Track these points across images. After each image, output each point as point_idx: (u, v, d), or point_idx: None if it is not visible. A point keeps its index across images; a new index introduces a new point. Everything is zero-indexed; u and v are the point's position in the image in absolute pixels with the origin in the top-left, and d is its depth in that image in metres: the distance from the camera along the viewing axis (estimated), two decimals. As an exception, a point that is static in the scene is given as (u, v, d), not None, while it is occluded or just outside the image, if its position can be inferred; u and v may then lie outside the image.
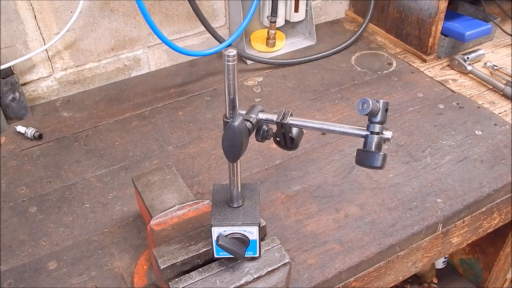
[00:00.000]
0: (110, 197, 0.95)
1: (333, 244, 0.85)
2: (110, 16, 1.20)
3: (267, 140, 0.63)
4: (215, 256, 0.69)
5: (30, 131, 1.09)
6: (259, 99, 1.22)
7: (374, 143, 0.55)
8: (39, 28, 1.13)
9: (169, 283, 0.68)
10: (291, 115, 0.60)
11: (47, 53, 1.17)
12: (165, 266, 0.68)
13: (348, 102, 1.20)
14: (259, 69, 1.33)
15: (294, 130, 0.61)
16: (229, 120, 0.58)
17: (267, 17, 1.32)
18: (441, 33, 1.32)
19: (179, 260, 0.69)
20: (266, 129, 0.62)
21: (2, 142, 1.09)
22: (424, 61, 1.34)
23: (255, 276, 0.69)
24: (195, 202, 0.77)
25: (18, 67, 1.15)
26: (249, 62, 1.34)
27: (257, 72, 1.32)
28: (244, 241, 0.67)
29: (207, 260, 0.71)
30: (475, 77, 1.27)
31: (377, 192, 0.95)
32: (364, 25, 1.44)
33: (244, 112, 0.61)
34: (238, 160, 0.63)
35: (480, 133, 1.09)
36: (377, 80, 1.28)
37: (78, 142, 1.09)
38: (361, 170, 0.99)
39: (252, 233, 0.67)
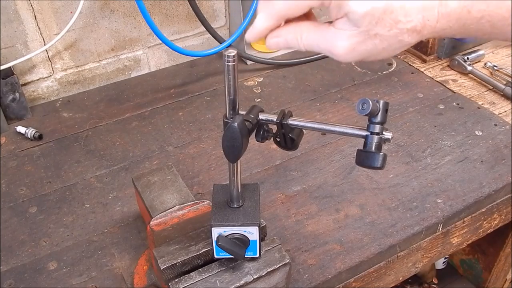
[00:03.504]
0: (110, 197, 0.95)
1: (333, 245, 0.85)
2: (110, 16, 1.20)
3: (267, 141, 0.62)
4: (215, 256, 0.69)
5: (30, 132, 1.09)
6: (259, 99, 1.22)
7: (374, 144, 0.55)
8: (39, 28, 1.13)
9: (169, 284, 0.68)
10: (291, 115, 0.60)
11: (47, 53, 1.17)
12: (165, 266, 0.68)
13: (348, 103, 1.20)
14: (259, 69, 1.33)
15: (294, 131, 0.61)
16: (229, 121, 0.58)
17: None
18: (441, 34, 1.32)
19: (179, 260, 0.69)
20: (266, 129, 0.62)
21: (2, 142, 1.09)
22: (424, 61, 1.34)
23: (255, 277, 0.69)
24: (195, 202, 0.77)
25: (18, 68, 1.15)
26: (249, 62, 1.34)
27: (257, 72, 1.32)
28: (244, 242, 0.67)
29: (207, 260, 0.71)
30: (475, 78, 1.27)
31: (377, 192, 0.95)
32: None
33: (244, 112, 0.61)
34: (238, 161, 0.63)
35: (480, 133, 1.09)
36: (377, 80, 1.28)
37: (78, 142, 1.09)
38: (361, 170, 0.99)
39: (252, 233, 0.67)
